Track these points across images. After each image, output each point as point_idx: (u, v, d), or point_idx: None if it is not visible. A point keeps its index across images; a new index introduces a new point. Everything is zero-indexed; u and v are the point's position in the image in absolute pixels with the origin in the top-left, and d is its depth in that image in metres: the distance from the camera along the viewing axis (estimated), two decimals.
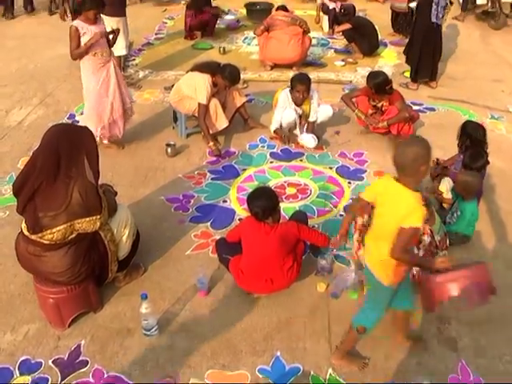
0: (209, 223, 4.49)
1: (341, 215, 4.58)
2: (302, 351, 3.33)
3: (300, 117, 5.73)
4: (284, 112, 5.61)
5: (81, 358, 3.27)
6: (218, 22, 9.45)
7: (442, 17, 6.83)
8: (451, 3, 7.17)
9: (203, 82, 5.49)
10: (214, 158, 5.47)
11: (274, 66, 7.89)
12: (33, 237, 3.24)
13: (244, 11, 10.45)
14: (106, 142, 5.50)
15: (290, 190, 4.95)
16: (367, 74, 5.93)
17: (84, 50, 4.97)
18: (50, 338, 3.42)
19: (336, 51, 8.71)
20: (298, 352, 3.32)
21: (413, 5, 7.88)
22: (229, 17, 9.98)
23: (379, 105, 5.76)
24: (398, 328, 3.34)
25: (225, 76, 5.53)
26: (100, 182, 3.46)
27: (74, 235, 3.26)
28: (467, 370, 3.20)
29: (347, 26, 8.37)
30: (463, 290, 2.64)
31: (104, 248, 3.46)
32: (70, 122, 6.11)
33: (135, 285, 3.83)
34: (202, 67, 5.69)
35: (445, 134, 5.51)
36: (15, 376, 3.17)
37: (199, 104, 5.52)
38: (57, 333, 3.45)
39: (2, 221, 4.53)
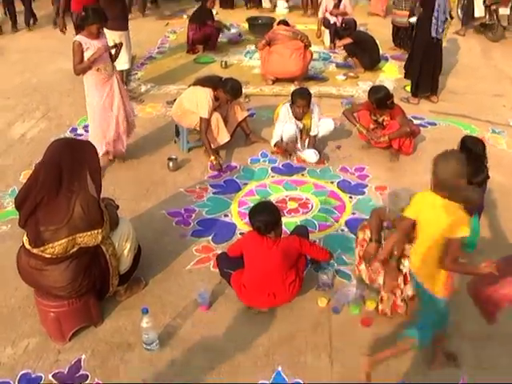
0: (210, 237, 4.49)
1: (342, 230, 4.58)
2: (303, 366, 3.32)
3: (301, 131, 5.74)
4: (285, 126, 5.63)
5: (81, 372, 3.27)
6: (220, 35, 9.50)
7: (442, 31, 6.84)
8: (451, 18, 7.21)
9: (205, 96, 5.52)
10: (216, 172, 5.48)
11: (276, 80, 7.91)
12: (34, 250, 3.24)
13: (246, 25, 10.55)
14: (110, 157, 5.55)
15: (292, 205, 4.95)
16: (369, 88, 5.97)
17: (87, 65, 4.98)
18: (51, 351, 3.42)
19: (337, 65, 8.74)
20: (299, 367, 3.31)
21: (413, 20, 7.89)
22: (231, 31, 10.04)
23: (380, 119, 5.78)
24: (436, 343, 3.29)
25: (226, 90, 5.55)
26: (102, 196, 3.48)
27: (75, 249, 3.26)
28: None
29: (348, 40, 8.41)
30: None
31: (105, 262, 3.46)
32: (72, 135, 6.15)
33: (136, 299, 3.83)
34: (203, 81, 5.72)
35: (446, 149, 5.49)
36: None
37: (201, 118, 5.53)
38: (57, 347, 3.45)
39: (3, 234, 4.54)
